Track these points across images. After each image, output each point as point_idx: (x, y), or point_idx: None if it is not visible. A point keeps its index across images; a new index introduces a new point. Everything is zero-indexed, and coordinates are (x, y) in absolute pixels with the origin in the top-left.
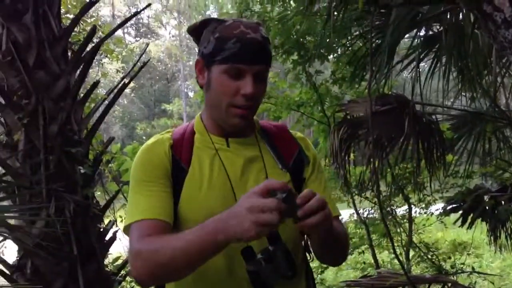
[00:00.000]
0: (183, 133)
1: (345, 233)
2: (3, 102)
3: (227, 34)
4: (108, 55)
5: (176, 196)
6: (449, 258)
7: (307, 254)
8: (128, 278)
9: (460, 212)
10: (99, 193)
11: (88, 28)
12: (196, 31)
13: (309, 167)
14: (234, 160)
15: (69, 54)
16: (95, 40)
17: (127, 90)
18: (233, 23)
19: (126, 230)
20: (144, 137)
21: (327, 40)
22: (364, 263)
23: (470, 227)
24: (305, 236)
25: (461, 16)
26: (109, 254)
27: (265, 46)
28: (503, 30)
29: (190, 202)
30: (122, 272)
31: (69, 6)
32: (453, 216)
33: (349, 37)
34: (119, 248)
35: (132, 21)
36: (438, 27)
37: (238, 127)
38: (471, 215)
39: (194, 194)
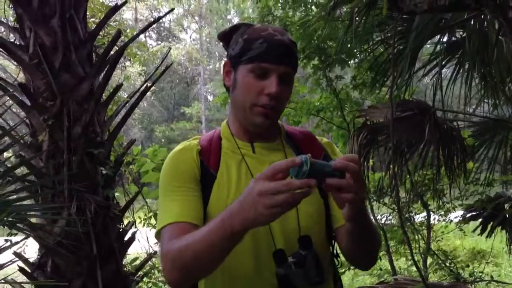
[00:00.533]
0: (210, 140)
1: (376, 229)
2: (29, 103)
3: (255, 35)
4: (131, 58)
5: (205, 201)
6: (467, 266)
7: (335, 260)
8: (145, 279)
9: (480, 220)
10: (117, 194)
11: (112, 31)
12: (226, 36)
13: None
14: (260, 166)
15: (94, 57)
16: (118, 43)
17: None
18: (262, 26)
19: (158, 235)
20: (163, 140)
21: (348, 45)
22: (381, 269)
23: (489, 235)
24: (333, 240)
25: (485, 23)
26: (128, 254)
27: (292, 49)
28: None
29: (219, 207)
30: (140, 272)
31: (95, 10)
32: (472, 224)
33: (370, 43)
34: (138, 249)
35: (153, 25)
36: (461, 33)
37: (262, 127)
38: (491, 223)
39: (222, 199)
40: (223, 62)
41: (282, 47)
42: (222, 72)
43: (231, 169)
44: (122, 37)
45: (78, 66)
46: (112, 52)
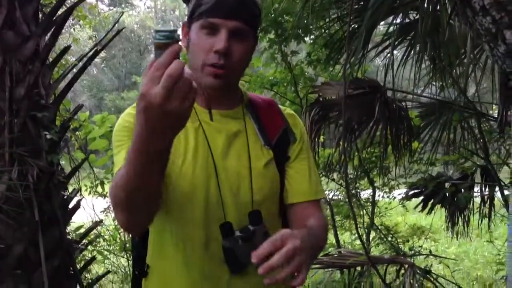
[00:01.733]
0: None
1: (322, 232)
2: None
3: None
4: (81, 21)
5: None
6: (407, 241)
7: None
8: (90, 247)
9: (422, 197)
10: (63, 162)
11: None
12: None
13: (295, 145)
14: (216, 135)
15: (40, 16)
16: (67, 4)
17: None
18: None
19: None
20: (112, 109)
21: (305, 21)
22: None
23: (430, 212)
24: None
25: (438, 6)
26: (72, 222)
27: (246, 3)
28: (480, 17)
29: (174, 170)
30: (84, 241)
31: None
32: (414, 202)
33: (326, 20)
34: (83, 218)
35: None
36: (414, 15)
37: (213, 88)
38: (432, 200)
39: (177, 165)
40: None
41: (234, 0)
42: (181, 35)
43: (188, 136)
44: None
45: (22, 24)
46: (60, 12)
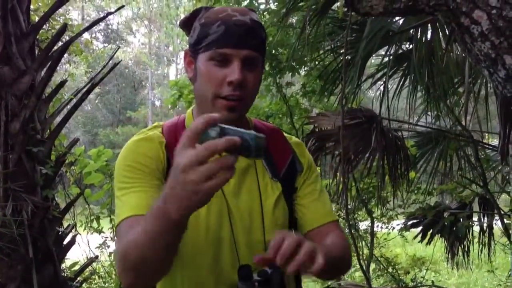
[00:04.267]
0: (175, 131)
1: (342, 246)
2: None
3: (212, 19)
4: (77, 55)
5: None
6: (408, 272)
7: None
8: (85, 285)
9: (420, 227)
10: (58, 198)
11: (57, 27)
12: (187, 23)
13: (302, 175)
14: None
15: (37, 51)
16: (63, 39)
17: (91, 96)
18: (220, 8)
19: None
20: (107, 144)
21: (300, 53)
22: None
23: (429, 242)
24: None
25: (429, 35)
26: (67, 259)
27: (254, 30)
28: (479, 43)
29: None
30: (79, 278)
31: (39, 4)
32: (412, 233)
33: (320, 51)
34: (78, 254)
35: (101, 26)
36: (408, 46)
37: (227, 122)
38: (431, 230)
39: None
40: (183, 52)
41: (243, 29)
42: (184, 63)
43: None
44: (68, 34)
45: (18, 59)
46: (56, 47)
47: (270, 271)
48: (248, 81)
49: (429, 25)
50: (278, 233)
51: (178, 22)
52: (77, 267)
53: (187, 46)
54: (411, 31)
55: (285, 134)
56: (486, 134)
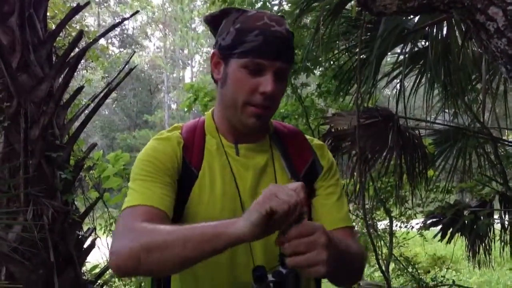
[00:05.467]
0: (193, 133)
1: (358, 252)
2: None
3: (249, 26)
4: (94, 61)
5: (183, 200)
6: (428, 272)
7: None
8: (105, 287)
9: (440, 226)
10: (77, 202)
11: (74, 34)
12: (214, 21)
13: (321, 177)
14: (244, 172)
15: (54, 58)
16: (80, 46)
17: (108, 100)
18: (256, 14)
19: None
20: (124, 148)
21: (314, 53)
22: None
23: (449, 241)
24: None
25: (446, 32)
26: (87, 262)
27: (289, 42)
28: (495, 40)
29: (198, 209)
30: (100, 281)
31: (56, 11)
32: (431, 232)
33: (335, 51)
34: (98, 257)
35: (116, 32)
36: (423, 43)
37: (253, 128)
38: (451, 229)
39: (203, 202)
40: (211, 52)
41: (279, 41)
42: (210, 63)
43: (214, 171)
44: (85, 40)
45: (36, 66)
46: (73, 54)
47: (285, 271)
48: (277, 92)
49: (444, 22)
50: (311, 224)
51: (203, 18)
52: (97, 270)
53: (213, 46)
54: (426, 28)
55: (307, 137)
56: (506, 131)
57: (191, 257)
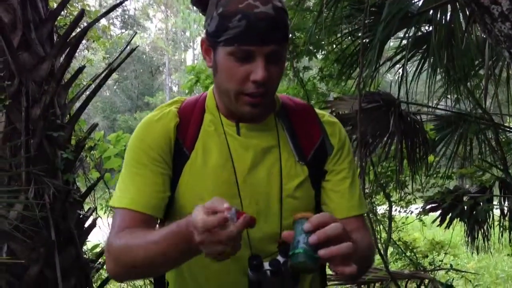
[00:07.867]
0: (192, 109)
1: (369, 247)
2: None
3: (232, 9)
4: (95, 41)
5: (173, 184)
6: (426, 256)
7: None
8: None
9: (439, 211)
10: (78, 182)
11: (75, 13)
12: (202, 3)
13: (332, 157)
14: (243, 152)
15: (55, 37)
16: (81, 25)
17: (110, 82)
18: None
19: (112, 210)
20: (125, 129)
21: (317, 37)
22: None
23: (448, 226)
24: None
25: (450, 17)
26: (88, 241)
27: (277, 21)
28: (499, 24)
29: (189, 195)
30: (100, 259)
31: None
32: (431, 217)
33: (338, 35)
34: (99, 236)
35: (118, 12)
36: (427, 28)
37: (250, 116)
38: (450, 214)
39: (196, 186)
40: (200, 39)
41: (265, 23)
42: (201, 51)
43: (209, 152)
44: (86, 20)
45: (38, 45)
46: (74, 33)
47: (283, 260)
48: (272, 75)
49: (448, 6)
50: (324, 214)
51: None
52: (98, 249)
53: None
54: (430, 12)
55: (318, 111)
56: (507, 117)
57: (175, 263)
